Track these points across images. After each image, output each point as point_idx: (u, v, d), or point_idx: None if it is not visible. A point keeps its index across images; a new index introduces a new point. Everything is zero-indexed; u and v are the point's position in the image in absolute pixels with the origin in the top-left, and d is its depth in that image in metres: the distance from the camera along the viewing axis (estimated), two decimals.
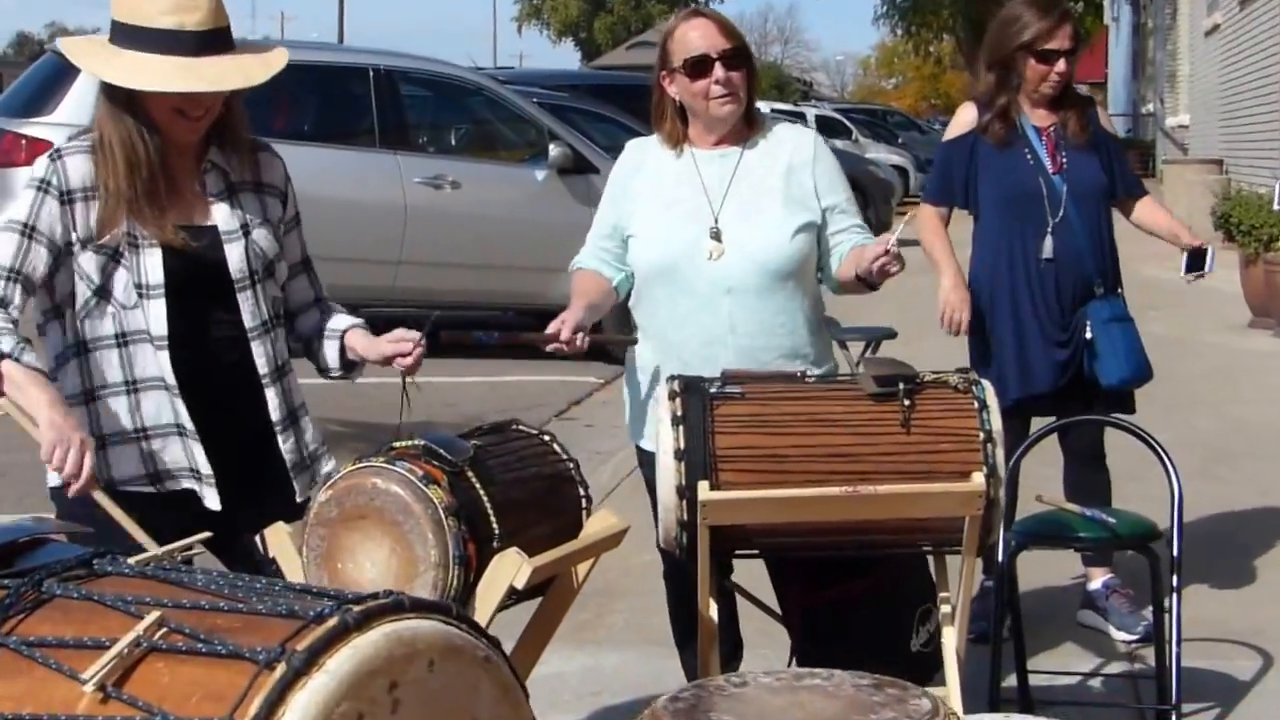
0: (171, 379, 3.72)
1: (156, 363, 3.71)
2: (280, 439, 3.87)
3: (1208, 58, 25.67)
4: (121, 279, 3.70)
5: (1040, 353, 5.68)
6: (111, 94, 3.69)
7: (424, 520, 3.41)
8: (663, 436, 3.87)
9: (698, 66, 4.41)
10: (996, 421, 3.88)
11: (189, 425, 3.73)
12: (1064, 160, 5.67)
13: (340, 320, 4.04)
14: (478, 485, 3.51)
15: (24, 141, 11.36)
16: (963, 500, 3.80)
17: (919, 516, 3.87)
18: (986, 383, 3.97)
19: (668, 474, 3.85)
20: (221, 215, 3.81)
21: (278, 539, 3.63)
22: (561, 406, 11.31)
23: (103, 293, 3.70)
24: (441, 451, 3.51)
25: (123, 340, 3.73)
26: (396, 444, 3.60)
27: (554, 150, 12.80)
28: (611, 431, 10.49)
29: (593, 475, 9.24)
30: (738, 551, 4.13)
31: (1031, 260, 5.69)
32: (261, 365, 3.82)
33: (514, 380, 11.95)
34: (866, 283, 4.29)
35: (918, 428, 3.88)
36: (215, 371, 3.78)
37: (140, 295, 3.69)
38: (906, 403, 3.88)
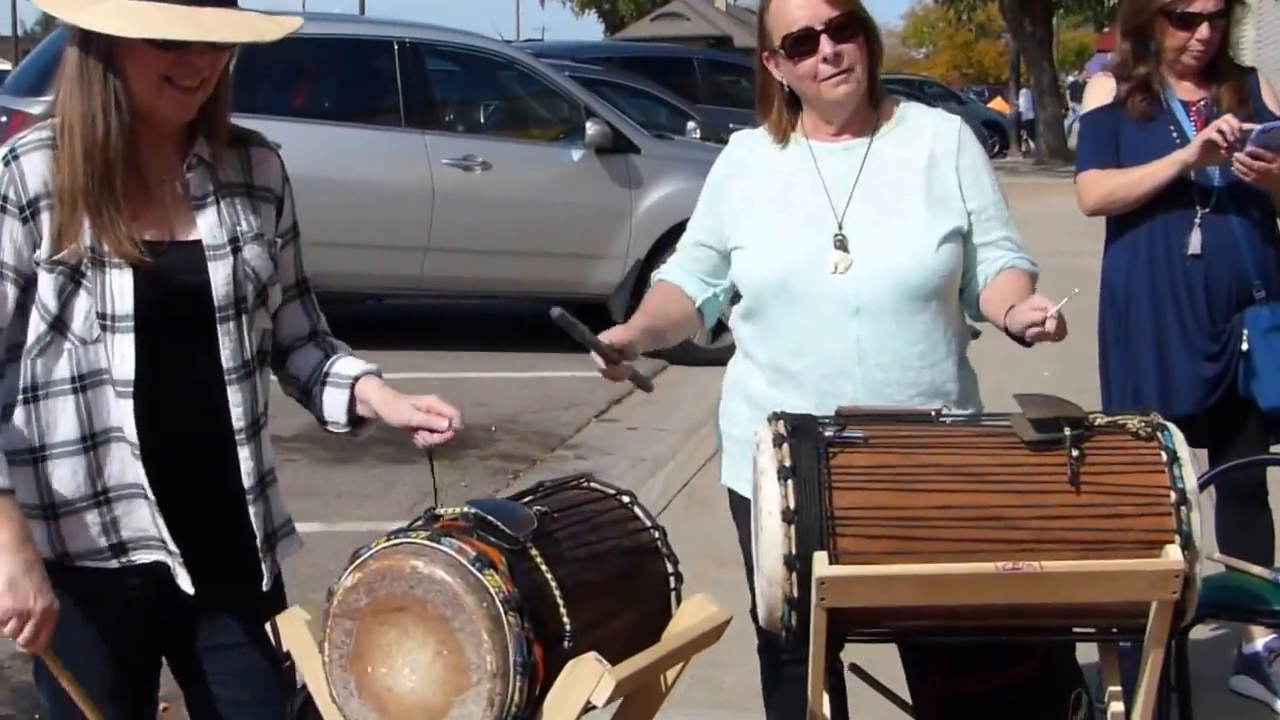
0: (133, 434, 3.00)
1: (119, 412, 3.01)
2: (251, 510, 3.12)
3: (1277, 21, 24.90)
4: (81, 306, 2.99)
5: (1185, 367, 4.94)
6: (84, 56, 2.97)
7: (478, 616, 2.69)
8: (766, 491, 3.11)
9: (800, 44, 3.66)
10: (1191, 478, 3.11)
11: (145, 486, 3.03)
12: None
13: (348, 365, 3.29)
14: (544, 567, 2.80)
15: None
16: (1153, 582, 3.03)
17: (1095, 601, 3.10)
18: (1173, 428, 3.21)
19: (773, 540, 3.08)
20: (207, 226, 3.09)
21: (294, 630, 2.93)
22: (601, 406, 10.61)
23: (59, 324, 3.00)
24: (499, 524, 2.79)
25: (79, 384, 3.01)
26: (440, 512, 2.87)
27: (591, 128, 12.01)
28: (657, 436, 9.79)
29: (641, 489, 8.60)
30: (858, 632, 3.34)
31: (1176, 257, 4.95)
32: (237, 417, 3.09)
33: (549, 376, 11.29)
34: (1014, 336, 3.54)
35: (1090, 485, 3.11)
36: (183, 424, 3.07)
37: (104, 327, 2.98)
38: (1074, 453, 3.12)
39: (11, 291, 2.97)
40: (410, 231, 11.62)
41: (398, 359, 11.23)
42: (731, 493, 3.90)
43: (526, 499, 3.01)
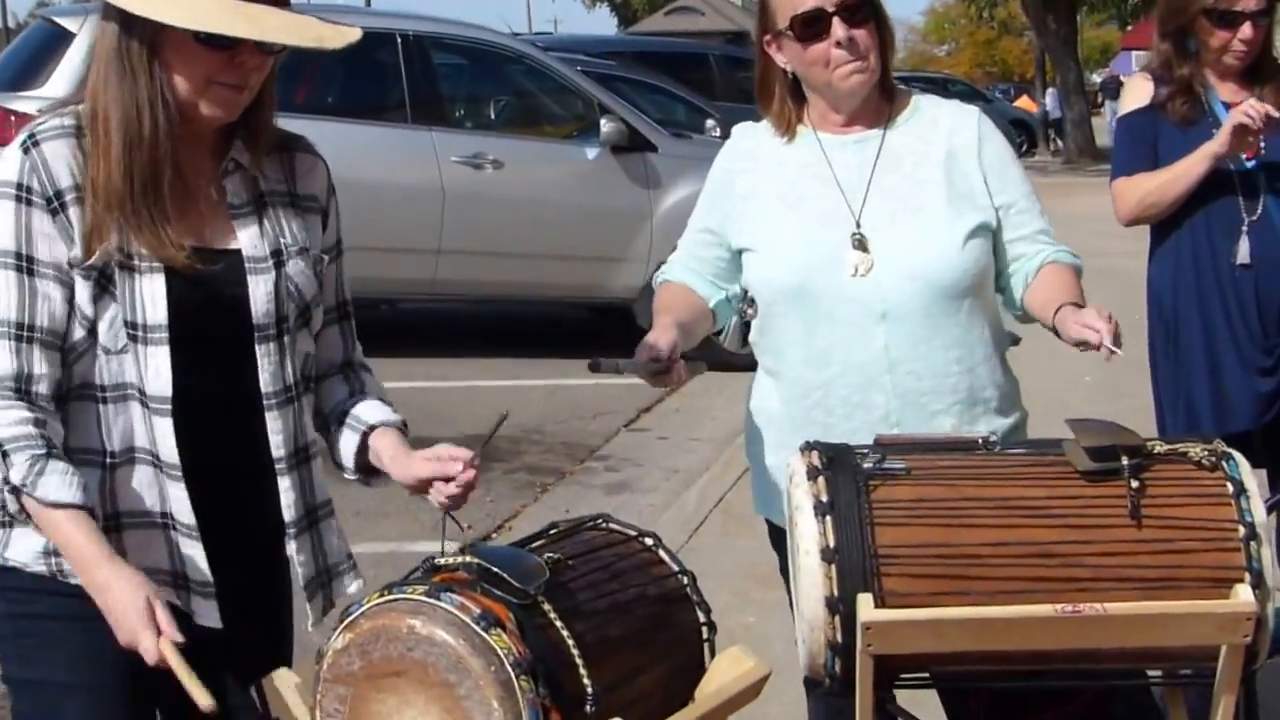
0: (173, 455, 2.77)
1: (147, 431, 2.78)
2: (293, 546, 2.90)
3: None
4: (108, 314, 2.75)
5: (1239, 382, 4.69)
6: (125, 42, 2.72)
7: (486, 682, 2.43)
8: (803, 528, 2.86)
9: (810, 26, 3.41)
10: (1260, 511, 2.87)
11: (185, 518, 2.80)
12: (1263, 145, 4.62)
13: (369, 409, 3.02)
14: (559, 623, 2.53)
15: (13, 118, 10.25)
16: (1222, 624, 2.77)
17: (1159, 645, 2.85)
18: (1239, 457, 2.97)
19: (812, 581, 2.83)
20: (248, 236, 2.85)
21: (283, 695, 2.66)
22: (630, 415, 10.32)
23: (94, 331, 2.77)
24: (505, 576, 2.52)
25: (102, 394, 2.78)
26: (440, 562, 2.61)
27: (606, 125, 11.68)
28: (689, 446, 9.52)
29: (675, 504, 8.29)
30: (904, 677, 3.09)
31: (1224, 266, 4.70)
32: (277, 446, 2.87)
33: (574, 384, 10.94)
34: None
35: (1151, 519, 2.86)
36: (216, 451, 2.84)
37: (132, 337, 2.75)
38: (1134, 484, 2.87)
39: (58, 292, 2.72)
40: (421, 233, 11.30)
41: (414, 367, 10.98)
42: (771, 525, 3.65)
43: (537, 544, 2.76)
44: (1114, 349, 3.14)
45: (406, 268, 11.31)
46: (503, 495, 8.13)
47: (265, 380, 2.83)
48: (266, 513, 2.88)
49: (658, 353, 3.30)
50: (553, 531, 2.83)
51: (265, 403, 2.84)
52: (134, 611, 2.60)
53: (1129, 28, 57.51)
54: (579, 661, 2.51)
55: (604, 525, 2.90)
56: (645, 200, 11.60)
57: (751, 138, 3.63)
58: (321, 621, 2.91)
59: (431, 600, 2.48)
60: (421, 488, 2.85)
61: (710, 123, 16.45)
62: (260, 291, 2.82)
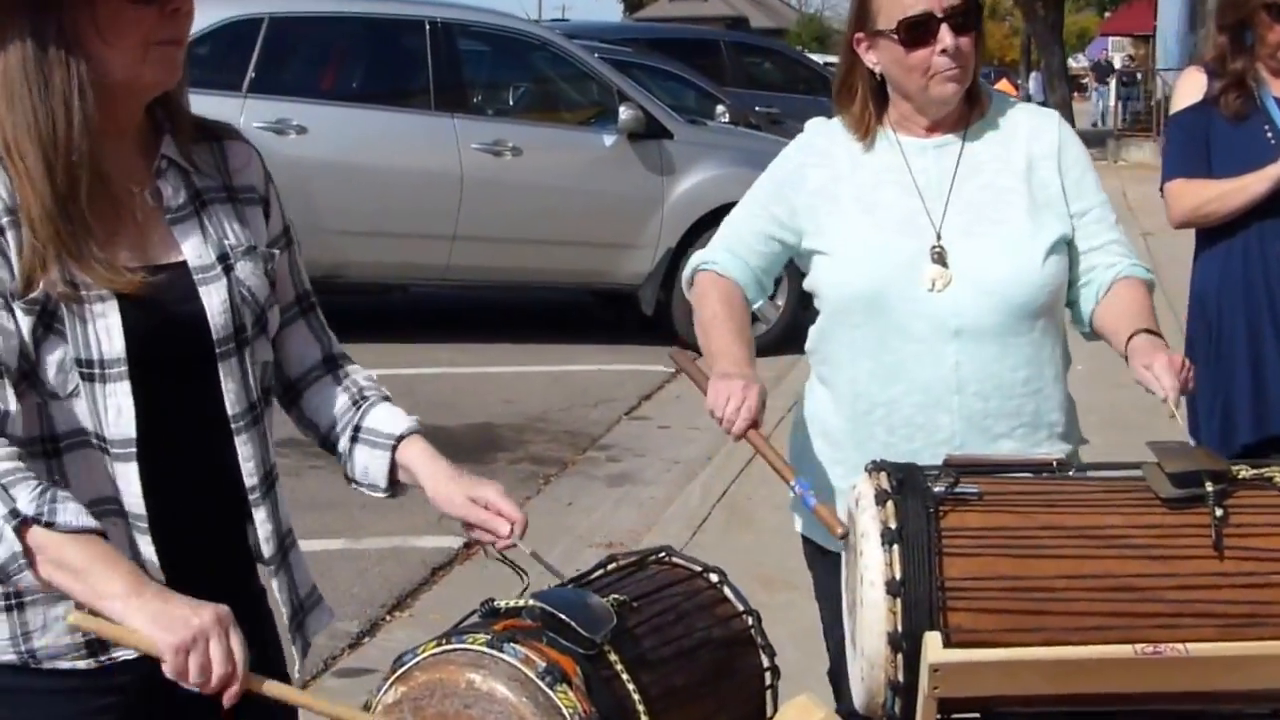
0: (139, 505, 2.46)
1: (109, 480, 2.47)
2: (275, 583, 2.65)
3: None
4: (55, 354, 2.41)
5: None
6: (31, 50, 2.40)
7: None
8: (869, 558, 2.69)
9: (917, 30, 3.24)
10: None
11: (155, 575, 2.44)
12: None
13: (386, 418, 2.76)
14: (625, 675, 2.30)
15: None
16: None
17: (1248, 688, 2.68)
18: None
19: (876, 615, 2.66)
20: (191, 244, 2.56)
21: None
22: (632, 402, 10.29)
23: (30, 376, 2.42)
24: (573, 625, 2.28)
25: (48, 446, 2.44)
26: (499, 605, 2.40)
27: (624, 113, 11.63)
28: (689, 436, 9.42)
29: (679, 499, 8.16)
30: (957, 716, 2.91)
31: (1273, 266, 4.62)
32: (249, 473, 2.59)
33: (577, 370, 11.00)
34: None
35: (1236, 550, 2.68)
36: (186, 488, 2.54)
37: (87, 376, 2.43)
38: (1218, 512, 2.70)
39: (9, 322, 2.39)
40: (437, 219, 11.20)
41: (422, 352, 10.87)
42: (808, 542, 3.48)
43: (597, 579, 2.56)
44: (1175, 410, 3.04)
45: (421, 253, 11.22)
46: (507, 485, 7.89)
47: (230, 401, 2.54)
48: (233, 553, 2.63)
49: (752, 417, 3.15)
50: (612, 566, 2.63)
51: (233, 426, 2.55)
52: (210, 610, 2.26)
53: (1108, 14, 57.55)
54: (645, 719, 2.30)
55: (668, 560, 2.69)
56: (658, 187, 11.58)
57: (827, 134, 3.47)
58: (303, 665, 2.70)
59: (493, 652, 2.25)
60: (465, 524, 2.66)
61: (720, 108, 16.35)
62: (215, 303, 2.53)
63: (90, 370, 2.42)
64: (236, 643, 2.25)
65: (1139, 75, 43.28)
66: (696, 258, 3.55)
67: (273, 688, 2.29)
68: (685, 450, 9.15)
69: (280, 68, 11.18)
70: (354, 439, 2.74)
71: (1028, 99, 44.43)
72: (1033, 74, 45.26)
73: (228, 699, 2.24)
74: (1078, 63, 59.21)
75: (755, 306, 3.51)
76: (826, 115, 3.52)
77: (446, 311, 12.76)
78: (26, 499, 2.26)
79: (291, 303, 2.77)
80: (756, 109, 18.61)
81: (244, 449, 2.57)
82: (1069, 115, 38.10)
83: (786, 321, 11.66)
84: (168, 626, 2.21)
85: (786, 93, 20.57)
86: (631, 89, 12.13)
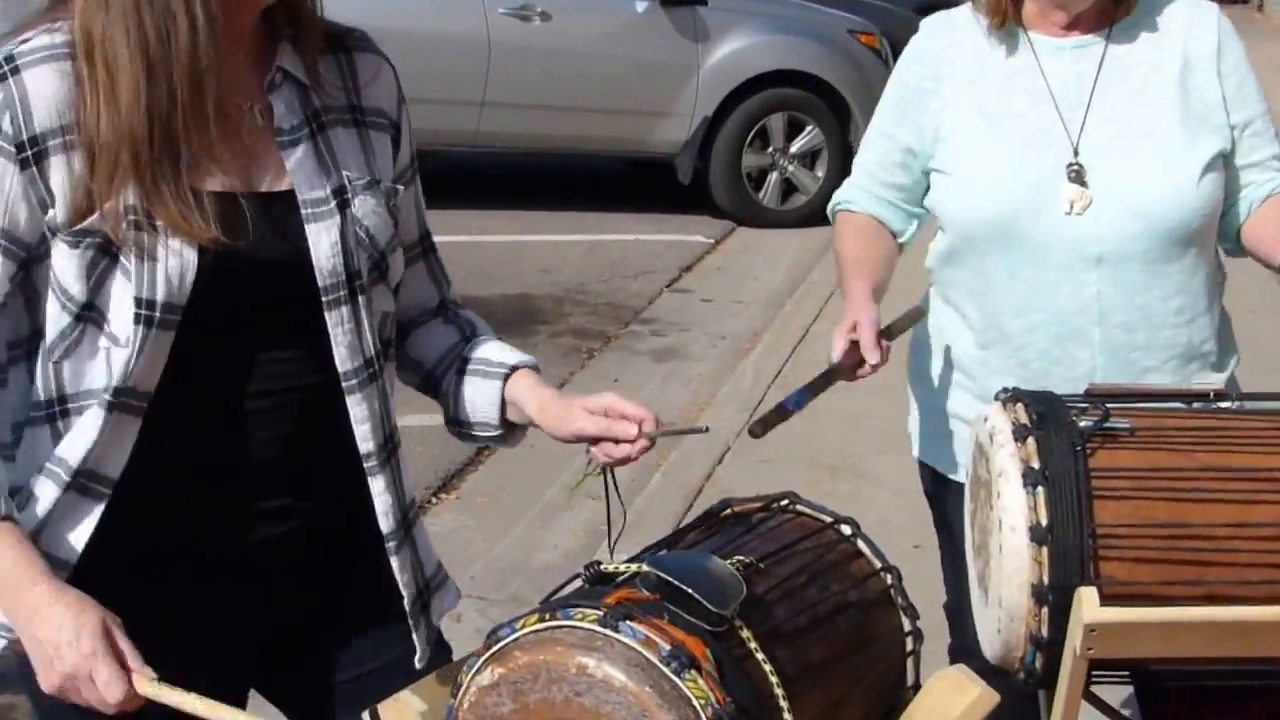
0: (114, 469, 2.14)
1: (104, 439, 2.14)
2: (394, 562, 2.31)
3: None
4: (118, 292, 2.09)
5: None
6: None
7: None
8: (1008, 500, 2.41)
9: None
10: None
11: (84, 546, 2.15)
12: None
13: (497, 349, 2.44)
14: (759, 654, 1.98)
15: None
16: None
17: None
18: None
19: (1018, 565, 2.39)
20: (303, 171, 2.20)
21: None
22: (672, 274, 10.04)
23: (90, 314, 2.11)
24: (698, 597, 1.96)
25: (115, 399, 2.12)
26: (607, 569, 2.08)
27: None
28: (734, 310, 9.19)
29: (730, 379, 7.91)
30: (1098, 675, 2.64)
31: None
32: (363, 437, 2.26)
33: (613, 240, 10.74)
34: None
35: None
36: (272, 455, 2.23)
37: (142, 319, 2.08)
38: None
39: (5, 267, 2.08)
40: (465, 85, 10.81)
41: (453, 219, 10.58)
42: (925, 467, 3.21)
43: (714, 535, 2.24)
44: None
45: (450, 119, 10.81)
46: (549, 361, 7.73)
47: (341, 357, 2.21)
48: (343, 527, 2.33)
49: (853, 341, 2.80)
50: (727, 512, 2.31)
51: (345, 384, 2.22)
52: (86, 632, 1.99)
53: None
54: (784, 705, 1.99)
55: (792, 508, 2.36)
56: (693, 54, 11.22)
57: (946, 35, 3.09)
58: (426, 656, 2.38)
59: (607, 631, 1.92)
60: (581, 442, 2.32)
61: None
62: (324, 244, 2.18)
63: (150, 314, 2.09)
64: (115, 662, 1.99)
65: None
66: (833, 201, 3.25)
67: (167, 694, 2.02)
68: (730, 325, 8.93)
69: None
70: (461, 371, 2.42)
71: None
72: None
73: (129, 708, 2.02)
74: None
75: (905, 237, 3.16)
76: None
77: (477, 178, 12.46)
78: None
79: (415, 242, 2.45)
80: None
81: (357, 409, 2.24)
82: None
83: (826, 193, 11.35)
84: (42, 661, 2.01)
85: None
86: None
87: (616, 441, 2.26)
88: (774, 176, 11.50)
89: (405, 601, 2.32)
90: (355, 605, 2.36)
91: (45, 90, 2.05)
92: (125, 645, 2.02)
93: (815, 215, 11.35)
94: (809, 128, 11.44)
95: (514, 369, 2.39)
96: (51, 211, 2.07)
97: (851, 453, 6.46)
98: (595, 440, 2.28)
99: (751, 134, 11.40)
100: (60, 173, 2.06)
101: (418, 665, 2.33)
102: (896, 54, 3.27)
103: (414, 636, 2.35)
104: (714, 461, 6.54)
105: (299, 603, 2.32)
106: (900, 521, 5.29)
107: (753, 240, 11.11)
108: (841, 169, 11.44)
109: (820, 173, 11.41)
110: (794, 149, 11.45)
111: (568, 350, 8.25)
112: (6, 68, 2.06)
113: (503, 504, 6.20)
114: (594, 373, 7.95)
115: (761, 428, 2.72)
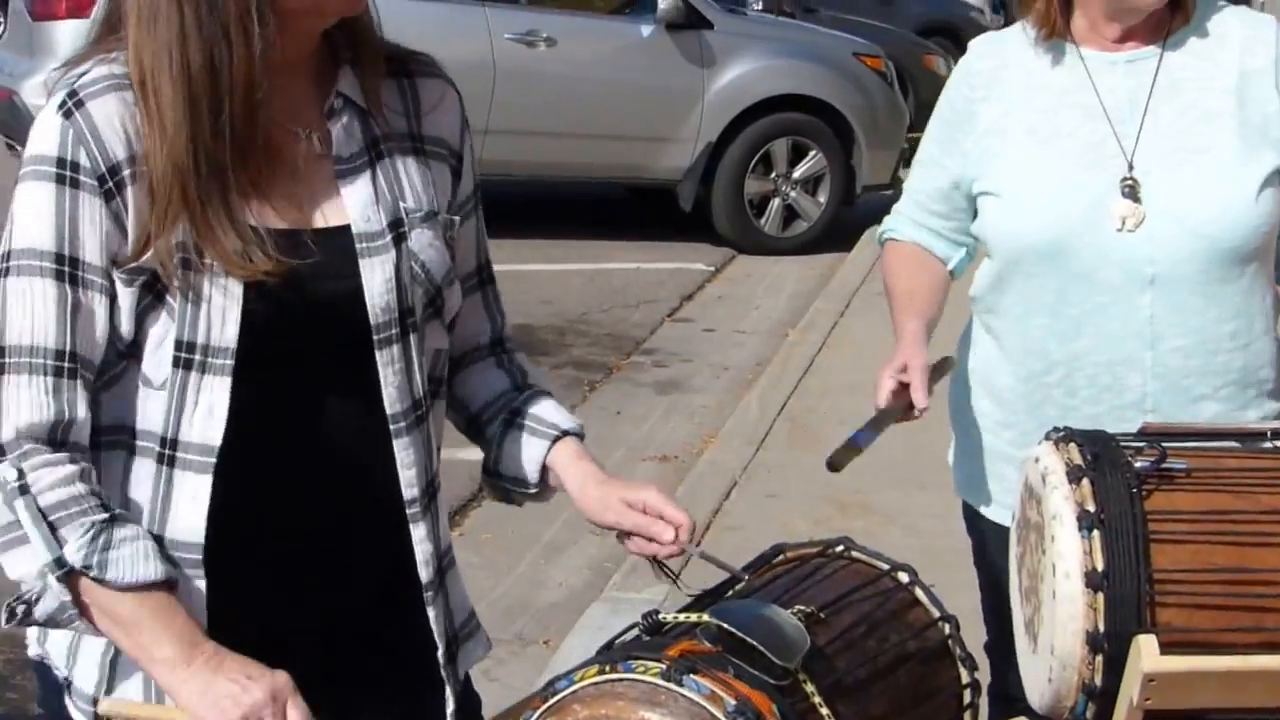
0: (197, 531, 2.05)
1: (150, 493, 2.07)
2: (430, 612, 2.23)
3: None
4: (158, 331, 2.01)
5: None
6: None
7: None
8: (1063, 545, 2.32)
9: None
10: None
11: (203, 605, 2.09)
12: None
13: (550, 410, 2.34)
14: (821, 706, 1.91)
15: None
16: None
17: None
18: None
19: (1073, 612, 2.30)
20: (358, 204, 2.11)
21: None
22: (674, 303, 10.00)
23: (136, 350, 2.04)
24: (764, 650, 1.88)
25: (169, 453, 2.04)
26: (665, 619, 2.01)
27: (662, 1, 11.17)
28: (736, 340, 9.13)
29: (735, 410, 7.76)
30: None
31: None
32: (409, 484, 2.17)
33: (614, 269, 10.71)
34: None
35: None
36: (312, 506, 2.14)
37: (181, 363, 2.01)
38: None
39: (100, 307, 2.00)
40: (469, 111, 10.71)
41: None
42: (970, 509, 3.13)
43: (773, 583, 2.17)
44: None
45: None
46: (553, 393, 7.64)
47: (389, 399, 2.11)
48: (380, 575, 2.23)
49: (901, 384, 2.73)
50: (779, 557, 2.24)
51: (392, 427, 2.12)
52: (261, 691, 1.94)
53: None
54: None
55: (847, 554, 2.29)
56: (698, 79, 11.20)
57: (997, 55, 3.02)
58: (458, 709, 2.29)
59: (670, 686, 1.84)
60: (615, 532, 2.25)
61: None
62: (377, 281, 2.09)
63: (190, 356, 2.01)
64: (296, 717, 1.95)
65: None
66: (881, 230, 3.19)
67: None
68: (733, 355, 8.88)
69: None
70: (510, 423, 2.33)
71: None
72: None
73: None
74: None
75: (953, 264, 3.09)
76: None
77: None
78: (76, 544, 1.93)
79: (471, 273, 2.35)
80: None
81: (404, 454, 2.14)
82: None
83: (827, 220, 11.36)
84: (214, 704, 1.93)
85: None
86: None
87: (650, 540, 2.19)
88: (776, 203, 11.45)
89: (439, 652, 2.25)
90: (386, 655, 2.27)
91: (113, 120, 1.98)
92: (298, 714, 1.98)
93: (816, 242, 11.30)
94: (812, 153, 11.39)
95: (564, 434, 2.31)
96: (124, 245, 2.00)
97: (860, 488, 6.38)
98: (630, 534, 2.22)
99: (755, 160, 11.34)
100: (133, 204, 1.99)
101: (451, 713, 2.26)
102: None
103: (446, 687, 2.27)
104: (721, 496, 6.46)
105: (329, 661, 2.23)
106: (911, 559, 5.21)
107: (753, 268, 11.07)
108: (844, 195, 11.40)
109: (822, 198, 11.36)
110: (796, 174, 11.40)
111: (569, 382, 8.17)
112: (71, 102, 1.98)
113: (507, 541, 6.12)
114: (596, 405, 7.88)
115: (841, 460, 2.64)
